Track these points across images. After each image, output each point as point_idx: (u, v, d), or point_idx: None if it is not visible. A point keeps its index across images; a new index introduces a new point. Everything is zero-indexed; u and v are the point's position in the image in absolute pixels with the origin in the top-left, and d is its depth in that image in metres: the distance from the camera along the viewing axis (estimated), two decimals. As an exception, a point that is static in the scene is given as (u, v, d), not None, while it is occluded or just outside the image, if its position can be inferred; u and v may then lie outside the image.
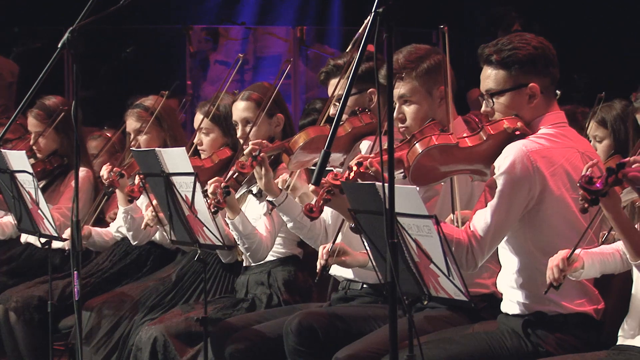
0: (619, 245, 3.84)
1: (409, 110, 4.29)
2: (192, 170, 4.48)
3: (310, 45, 9.88)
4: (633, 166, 3.32)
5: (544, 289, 3.72)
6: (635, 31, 8.98)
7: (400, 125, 4.32)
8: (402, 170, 3.97)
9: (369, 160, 3.91)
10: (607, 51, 9.16)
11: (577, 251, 3.68)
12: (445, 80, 4.20)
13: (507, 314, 4.04)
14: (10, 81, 8.57)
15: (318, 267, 4.30)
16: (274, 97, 5.13)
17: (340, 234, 4.42)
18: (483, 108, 4.05)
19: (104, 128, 7.29)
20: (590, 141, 5.06)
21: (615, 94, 5.25)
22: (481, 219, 3.86)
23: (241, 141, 5.12)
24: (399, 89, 4.28)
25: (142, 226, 5.39)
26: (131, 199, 5.40)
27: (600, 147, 5.00)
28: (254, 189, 4.94)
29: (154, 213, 5.26)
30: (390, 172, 3.37)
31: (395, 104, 4.31)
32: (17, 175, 5.18)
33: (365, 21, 4.75)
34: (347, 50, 5.05)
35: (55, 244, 5.56)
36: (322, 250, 4.31)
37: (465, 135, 4.00)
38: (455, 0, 10.51)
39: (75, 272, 4.37)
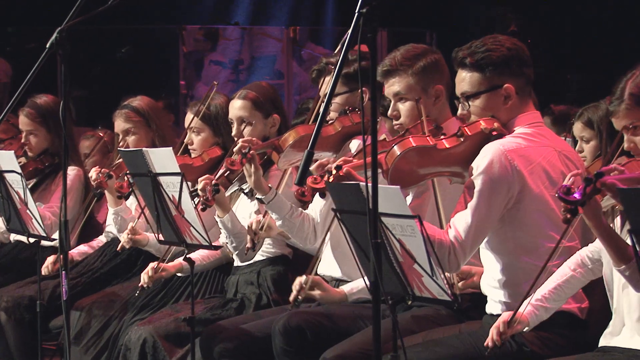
0: (581, 256, 3.86)
1: (403, 107, 4.31)
2: (178, 170, 4.48)
3: (303, 46, 9.89)
4: (612, 174, 3.33)
5: (527, 287, 3.76)
6: (629, 31, 8.99)
7: (394, 122, 4.34)
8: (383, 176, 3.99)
9: (345, 168, 3.90)
10: (604, 52, 9.17)
11: (526, 303, 3.73)
12: (418, 96, 4.24)
13: (492, 315, 4.04)
14: (4, 82, 8.57)
15: (291, 297, 4.37)
16: (271, 97, 5.15)
17: (318, 262, 4.45)
18: (459, 111, 4.08)
19: (98, 128, 7.29)
20: (577, 142, 5.06)
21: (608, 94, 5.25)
22: (462, 220, 3.88)
23: (236, 139, 5.12)
24: (394, 86, 4.30)
25: (118, 248, 5.43)
26: (120, 195, 5.41)
27: (587, 148, 5.00)
28: (246, 188, 4.95)
29: (130, 235, 5.29)
30: (374, 172, 3.37)
31: (390, 101, 4.33)
32: (6, 175, 5.18)
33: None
34: (338, 50, 5.06)
35: (46, 244, 5.57)
36: (297, 281, 4.36)
37: (442, 137, 4.02)
38: (453, 1, 10.51)
39: (63, 272, 4.37)
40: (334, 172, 3.90)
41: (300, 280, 4.41)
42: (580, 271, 3.84)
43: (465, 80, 4.04)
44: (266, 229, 4.74)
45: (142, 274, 5.11)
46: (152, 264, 5.11)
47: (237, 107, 5.15)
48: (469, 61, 4.01)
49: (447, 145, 3.98)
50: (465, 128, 3.99)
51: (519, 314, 3.73)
